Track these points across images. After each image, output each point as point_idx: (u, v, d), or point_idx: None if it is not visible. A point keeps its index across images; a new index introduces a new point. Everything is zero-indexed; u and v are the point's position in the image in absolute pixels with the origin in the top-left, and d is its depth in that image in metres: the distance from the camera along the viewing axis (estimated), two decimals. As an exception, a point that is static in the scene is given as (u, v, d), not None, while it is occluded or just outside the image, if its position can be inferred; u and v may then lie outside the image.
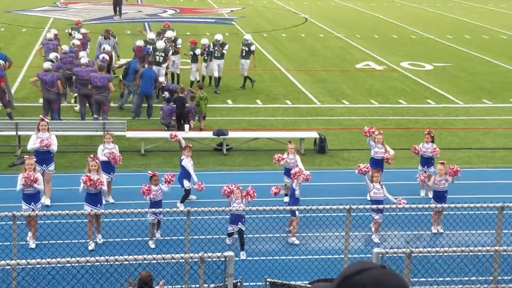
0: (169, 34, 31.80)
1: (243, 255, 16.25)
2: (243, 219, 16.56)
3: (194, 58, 31.09)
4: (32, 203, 16.33)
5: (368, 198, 17.96)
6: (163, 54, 29.55)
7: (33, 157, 17.34)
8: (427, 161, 20.19)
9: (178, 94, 25.57)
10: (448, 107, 30.22)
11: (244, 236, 16.73)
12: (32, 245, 16.29)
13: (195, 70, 31.35)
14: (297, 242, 17.17)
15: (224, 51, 31.38)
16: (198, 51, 30.97)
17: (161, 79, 28.23)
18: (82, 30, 32.50)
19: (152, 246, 16.74)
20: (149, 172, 17.51)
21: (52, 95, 24.58)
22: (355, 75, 36.01)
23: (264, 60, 38.63)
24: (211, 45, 31.49)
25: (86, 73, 25.37)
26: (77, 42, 29.66)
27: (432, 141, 20.25)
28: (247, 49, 32.01)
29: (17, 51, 37.44)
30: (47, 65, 24.92)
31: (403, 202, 16.34)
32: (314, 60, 39.53)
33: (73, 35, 31.07)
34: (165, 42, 30.35)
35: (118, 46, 32.39)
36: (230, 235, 16.96)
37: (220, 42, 31.41)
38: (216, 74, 31.38)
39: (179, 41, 32.09)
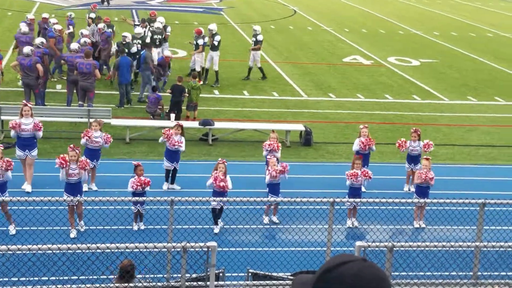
0: (161, 20, 32.05)
1: (217, 228, 17.17)
2: (225, 194, 16.88)
3: (197, 47, 30.84)
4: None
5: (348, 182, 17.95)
6: (140, 42, 29.41)
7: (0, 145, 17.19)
8: (413, 159, 20.14)
9: (177, 83, 25.52)
10: (433, 103, 30.30)
11: (227, 226, 16.80)
12: (13, 232, 16.29)
13: (199, 60, 30.84)
14: (278, 221, 17.65)
15: (215, 42, 30.66)
16: (200, 41, 30.62)
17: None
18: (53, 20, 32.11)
19: (135, 228, 16.86)
20: (134, 162, 17.45)
21: (31, 80, 24.44)
22: (343, 69, 36.03)
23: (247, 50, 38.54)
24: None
25: (74, 58, 25.23)
26: (58, 27, 29.59)
27: (419, 139, 20.23)
28: (255, 39, 32.07)
29: (1, 34, 37.24)
30: (27, 49, 24.73)
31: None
32: (302, 53, 39.53)
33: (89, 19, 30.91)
34: (153, 29, 30.38)
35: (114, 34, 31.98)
36: (214, 211, 17.26)
37: (213, 32, 30.91)
38: (207, 66, 31.07)
39: (169, 28, 32.13)
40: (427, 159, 18.34)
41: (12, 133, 18.79)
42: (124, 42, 28.85)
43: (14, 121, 18.67)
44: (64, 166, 16.36)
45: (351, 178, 17.74)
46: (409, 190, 20.09)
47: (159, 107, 25.10)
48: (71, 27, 32.16)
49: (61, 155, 16.58)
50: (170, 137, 19.01)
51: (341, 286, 3.17)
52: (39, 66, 24.46)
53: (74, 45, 26.34)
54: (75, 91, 25.49)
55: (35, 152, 18.78)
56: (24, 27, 29.46)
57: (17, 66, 24.83)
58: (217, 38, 30.82)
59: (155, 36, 30.15)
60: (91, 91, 24.94)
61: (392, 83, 33.40)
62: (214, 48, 30.76)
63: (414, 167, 20.01)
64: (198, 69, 30.67)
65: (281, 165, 17.89)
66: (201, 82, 29.23)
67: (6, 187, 16.58)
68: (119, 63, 27.11)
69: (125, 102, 26.98)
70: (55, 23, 30.86)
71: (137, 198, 15.53)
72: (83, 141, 18.85)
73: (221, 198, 15.44)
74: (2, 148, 16.90)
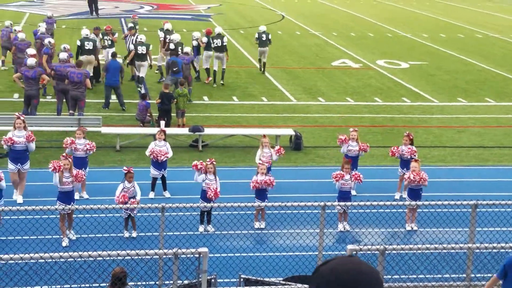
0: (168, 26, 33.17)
1: (211, 229, 17.44)
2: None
3: (207, 47, 32.03)
4: None
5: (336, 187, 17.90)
6: (144, 48, 30.01)
7: None
8: (406, 164, 19.56)
9: (163, 90, 25.50)
10: (423, 105, 30.36)
11: (218, 232, 16.81)
12: None
13: (205, 59, 32.25)
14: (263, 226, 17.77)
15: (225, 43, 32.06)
16: (205, 39, 31.97)
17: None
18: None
19: (126, 235, 16.85)
20: (125, 168, 17.44)
21: (34, 91, 24.59)
22: (331, 72, 36.07)
23: (241, 57, 38.65)
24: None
25: (65, 68, 25.26)
26: (51, 41, 29.62)
27: (411, 143, 20.04)
28: (264, 37, 34.09)
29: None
30: (31, 61, 24.76)
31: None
32: (290, 57, 39.56)
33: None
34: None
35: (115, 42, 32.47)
36: (202, 214, 17.43)
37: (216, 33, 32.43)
38: (207, 66, 32.45)
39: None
40: (416, 161, 18.30)
41: (5, 146, 18.88)
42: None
43: (7, 137, 18.65)
44: (58, 170, 16.34)
45: (338, 180, 17.67)
46: (400, 197, 19.84)
47: (147, 114, 25.10)
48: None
49: (54, 161, 16.60)
50: (157, 155, 19.05)
51: (322, 280, 3.40)
52: (44, 76, 24.78)
53: (63, 55, 26.31)
54: (64, 100, 25.50)
55: (27, 166, 18.73)
56: (21, 35, 30.49)
57: (20, 78, 24.94)
58: (225, 39, 32.29)
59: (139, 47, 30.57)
60: (82, 100, 24.97)
61: (381, 86, 33.45)
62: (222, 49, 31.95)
63: (407, 171, 19.87)
64: (206, 66, 32.30)
65: (269, 178, 17.86)
66: (210, 79, 32.21)
67: (1, 196, 16.52)
68: (108, 65, 27.42)
69: (109, 104, 27.51)
70: (19, 31, 31.65)
71: (127, 205, 15.48)
72: (68, 150, 18.85)
73: (206, 204, 15.62)
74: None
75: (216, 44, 31.81)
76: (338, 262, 3.41)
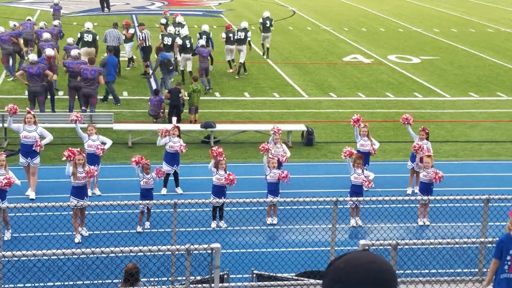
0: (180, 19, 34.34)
1: (223, 224, 17.43)
2: (225, 193, 17.38)
3: (228, 41, 33.13)
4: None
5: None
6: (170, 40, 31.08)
7: (3, 153, 17.22)
8: (415, 157, 19.72)
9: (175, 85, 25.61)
10: (435, 100, 30.29)
11: (230, 228, 16.83)
12: (6, 237, 16.22)
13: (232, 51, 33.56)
14: (275, 222, 17.78)
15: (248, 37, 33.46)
16: (223, 35, 33.16)
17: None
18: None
19: (139, 229, 16.89)
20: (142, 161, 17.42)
21: (39, 87, 24.54)
22: (343, 68, 36.03)
23: (252, 52, 38.56)
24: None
25: (77, 65, 25.30)
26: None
27: (427, 138, 19.72)
28: (268, 23, 36.30)
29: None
30: (32, 57, 24.83)
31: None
32: (301, 53, 39.53)
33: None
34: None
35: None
36: (214, 210, 17.44)
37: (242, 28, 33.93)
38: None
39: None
40: (429, 156, 18.25)
41: (9, 118, 19.53)
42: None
43: (9, 107, 19.45)
44: (72, 159, 16.35)
45: (348, 156, 17.82)
46: (412, 192, 19.80)
47: (161, 110, 25.17)
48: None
49: (69, 148, 16.62)
50: (166, 134, 19.10)
51: (337, 273, 3.41)
52: (48, 72, 24.72)
53: (74, 52, 26.35)
54: (76, 97, 25.56)
55: (37, 160, 18.78)
56: (46, 35, 29.81)
57: (23, 75, 24.89)
58: (249, 34, 33.62)
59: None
60: (94, 97, 25.02)
61: (393, 81, 33.39)
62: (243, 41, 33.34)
63: (416, 165, 19.88)
64: (230, 58, 33.79)
65: (282, 172, 18.00)
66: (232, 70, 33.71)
67: (5, 194, 16.53)
68: (106, 61, 27.61)
69: (118, 98, 27.83)
70: (42, 28, 31.89)
71: (139, 202, 15.54)
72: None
73: (218, 200, 15.67)
74: (5, 155, 16.91)
75: (239, 36, 33.02)
76: (352, 256, 3.41)
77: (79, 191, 16.55)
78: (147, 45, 32.15)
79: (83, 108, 25.09)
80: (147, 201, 16.09)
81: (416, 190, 19.19)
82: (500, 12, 60.44)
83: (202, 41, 30.48)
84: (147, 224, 17.13)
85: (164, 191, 19.20)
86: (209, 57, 30.43)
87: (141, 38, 31.97)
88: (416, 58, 38.89)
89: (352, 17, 54.30)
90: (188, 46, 30.69)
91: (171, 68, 28.50)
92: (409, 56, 39.19)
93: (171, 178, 19.38)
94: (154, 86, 27.57)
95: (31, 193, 18.64)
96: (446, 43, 44.26)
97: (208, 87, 29.36)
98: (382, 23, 51.44)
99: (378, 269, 3.35)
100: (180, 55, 31.04)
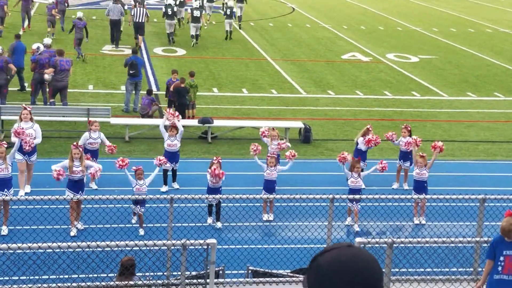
0: None
1: (220, 224, 17.26)
2: (220, 191, 17.16)
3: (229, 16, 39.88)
4: (5, 190, 16.15)
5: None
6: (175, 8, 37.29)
7: (4, 142, 17.07)
8: (404, 155, 20.11)
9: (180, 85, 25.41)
10: (432, 99, 30.31)
11: (226, 224, 16.81)
12: (4, 232, 16.19)
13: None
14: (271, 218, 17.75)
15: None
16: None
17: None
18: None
19: (134, 220, 17.19)
20: (133, 168, 17.21)
21: (3, 80, 24.80)
22: (341, 66, 36.03)
23: (251, 49, 38.60)
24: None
25: (50, 53, 25.63)
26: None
27: (409, 135, 20.08)
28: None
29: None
30: None
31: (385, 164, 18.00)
32: (300, 50, 39.51)
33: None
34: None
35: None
36: (210, 207, 17.39)
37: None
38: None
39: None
40: (422, 156, 18.23)
41: (13, 139, 17.65)
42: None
43: (17, 128, 17.72)
44: (60, 178, 16.19)
45: (342, 161, 17.74)
46: (401, 186, 20.23)
47: (149, 110, 24.91)
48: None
49: (58, 169, 16.21)
50: (174, 117, 19.34)
51: (320, 272, 3.31)
52: (11, 65, 24.94)
53: (47, 40, 27.04)
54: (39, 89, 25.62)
55: (34, 157, 18.64)
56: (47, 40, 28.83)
57: None
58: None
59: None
60: (66, 89, 24.98)
61: (391, 79, 33.40)
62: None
63: (403, 164, 20.06)
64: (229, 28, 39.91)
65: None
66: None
67: (11, 184, 16.47)
68: (14, 47, 27.16)
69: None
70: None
71: (136, 197, 15.52)
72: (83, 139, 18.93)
73: (214, 196, 15.71)
74: (6, 146, 16.82)
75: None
76: (337, 253, 3.31)
77: (75, 185, 16.52)
78: (138, 21, 35.12)
79: (51, 100, 24.88)
80: (143, 196, 16.06)
81: (406, 187, 19.73)
82: (499, 13, 60.45)
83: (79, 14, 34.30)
84: (141, 231, 16.90)
85: (164, 188, 19.12)
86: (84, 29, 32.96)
87: (132, 14, 35.90)
88: (415, 57, 38.90)
89: (351, 15, 54.28)
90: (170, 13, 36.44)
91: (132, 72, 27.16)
92: (407, 55, 39.20)
93: (169, 173, 19.37)
94: (153, 86, 27.45)
95: (26, 187, 18.56)
96: (445, 42, 44.26)
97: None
98: (381, 22, 51.42)
99: (362, 270, 3.27)
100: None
